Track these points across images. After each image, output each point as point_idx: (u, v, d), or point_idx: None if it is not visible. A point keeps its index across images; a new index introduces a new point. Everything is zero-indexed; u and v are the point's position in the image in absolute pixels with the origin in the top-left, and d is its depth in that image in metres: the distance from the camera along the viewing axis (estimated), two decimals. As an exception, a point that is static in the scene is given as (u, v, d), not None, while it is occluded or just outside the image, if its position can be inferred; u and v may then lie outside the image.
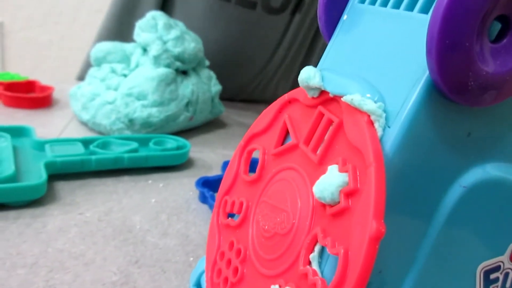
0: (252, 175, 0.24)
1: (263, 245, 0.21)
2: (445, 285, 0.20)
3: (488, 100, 0.17)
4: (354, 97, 0.18)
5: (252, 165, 0.24)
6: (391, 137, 0.18)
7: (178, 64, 0.51)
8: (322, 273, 0.18)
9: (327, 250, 0.17)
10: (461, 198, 0.19)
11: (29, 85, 0.60)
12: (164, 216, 0.36)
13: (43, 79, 0.63)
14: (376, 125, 0.18)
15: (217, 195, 0.25)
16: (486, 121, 0.19)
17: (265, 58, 0.69)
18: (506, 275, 0.21)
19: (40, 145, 0.41)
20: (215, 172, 0.45)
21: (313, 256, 0.18)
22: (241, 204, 0.23)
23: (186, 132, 0.55)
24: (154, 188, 0.40)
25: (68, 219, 0.34)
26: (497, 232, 0.20)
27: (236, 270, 0.22)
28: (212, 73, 0.57)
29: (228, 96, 0.70)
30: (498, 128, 0.19)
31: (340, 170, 0.17)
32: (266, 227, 0.21)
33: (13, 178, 0.34)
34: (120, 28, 0.65)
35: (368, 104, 0.18)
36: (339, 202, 0.17)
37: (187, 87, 0.52)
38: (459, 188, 0.19)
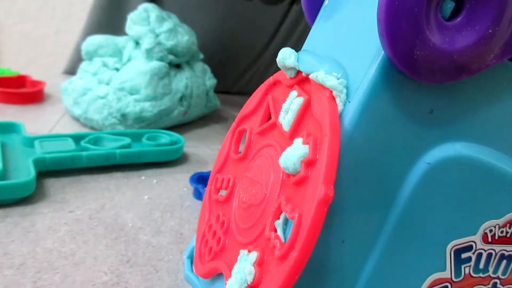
0: (240, 154, 0.25)
1: (241, 215, 0.22)
2: (413, 262, 0.20)
3: (438, 77, 0.17)
4: (319, 74, 0.19)
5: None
6: (350, 112, 0.18)
7: (171, 57, 0.50)
8: (285, 238, 0.18)
9: (287, 216, 0.18)
10: (425, 174, 0.19)
11: (20, 80, 0.59)
12: (158, 214, 0.35)
13: (39, 74, 0.62)
14: (337, 100, 0.19)
15: (210, 174, 0.27)
16: (449, 99, 0.19)
17: (260, 48, 0.68)
18: (479, 256, 0.21)
19: (30, 142, 0.40)
20: (209, 167, 0.45)
21: (278, 222, 0.19)
22: (229, 180, 0.25)
23: (180, 126, 0.54)
24: (147, 184, 0.39)
25: (58, 217, 0.33)
26: (467, 211, 0.20)
27: (219, 240, 0.23)
28: (206, 66, 0.56)
29: (223, 88, 0.69)
30: (464, 106, 0.19)
31: (304, 143, 0.18)
32: (244, 198, 0.22)
33: (1, 176, 0.33)
34: (108, 21, 0.64)
35: (330, 81, 0.19)
36: (300, 171, 0.18)
37: (181, 81, 0.51)
38: (423, 165, 0.19)
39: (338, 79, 0.19)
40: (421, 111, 0.19)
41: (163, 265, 0.29)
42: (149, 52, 0.49)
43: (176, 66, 0.53)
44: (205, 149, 0.49)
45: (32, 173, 0.34)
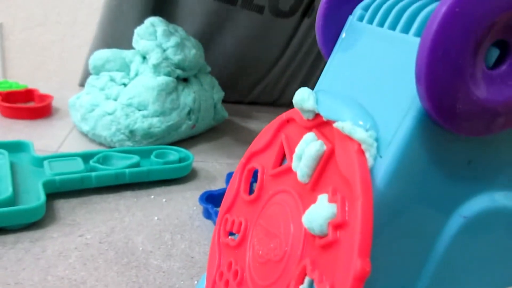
0: (251, 195, 0.24)
1: (258, 270, 0.21)
2: None
3: (481, 130, 0.16)
4: (345, 125, 0.18)
5: (255, 175, 0.24)
6: (382, 168, 0.17)
7: (178, 72, 0.50)
8: None
9: (315, 284, 0.17)
10: (461, 229, 0.18)
11: (28, 94, 0.59)
12: (168, 236, 0.35)
13: (45, 81, 0.62)
14: (367, 154, 0.17)
15: (219, 213, 0.26)
16: (487, 150, 0.18)
17: (271, 60, 0.67)
18: None
19: (39, 162, 0.40)
20: (219, 183, 0.44)
21: None
22: (240, 224, 0.23)
23: (188, 140, 0.54)
24: (157, 204, 0.39)
25: (69, 242, 0.33)
26: (503, 262, 0.19)
27: None
28: (214, 79, 0.56)
29: (234, 100, 0.68)
30: (503, 156, 0.18)
31: (330, 201, 0.17)
32: (261, 252, 0.21)
33: (11, 200, 0.33)
34: (113, 36, 0.63)
35: (358, 133, 0.17)
36: (327, 234, 0.17)
37: (189, 95, 0.51)
38: (459, 219, 0.18)
39: (367, 130, 0.18)
40: (459, 163, 0.18)
41: (174, 292, 0.29)
42: (156, 67, 0.49)
43: (184, 80, 0.52)
44: (213, 163, 0.48)
45: (42, 197, 0.34)
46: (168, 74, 0.49)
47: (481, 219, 0.18)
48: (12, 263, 0.30)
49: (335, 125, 0.18)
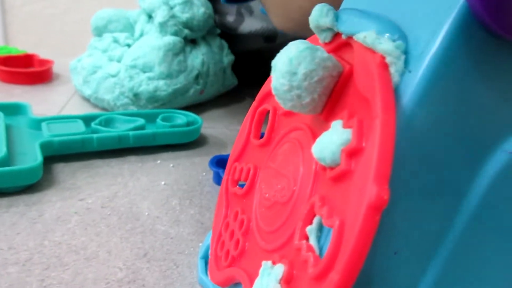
0: (262, 139, 0.21)
1: (264, 215, 0.19)
2: (483, 275, 0.16)
3: None
4: (368, 34, 0.15)
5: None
6: (412, 85, 0.14)
7: (186, 32, 0.47)
8: (321, 249, 0.15)
9: (323, 221, 0.14)
10: (505, 167, 0.15)
11: (27, 59, 0.56)
12: (176, 201, 0.32)
13: (48, 53, 0.58)
14: (392, 69, 0.14)
15: (228, 162, 0.24)
16: None
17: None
18: None
19: (37, 124, 0.37)
20: (229, 149, 0.41)
21: (311, 229, 0.15)
22: (249, 170, 0.21)
23: (196, 106, 0.51)
24: (164, 169, 0.36)
25: (68, 206, 0.30)
26: None
27: (237, 242, 0.20)
28: (223, 42, 0.52)
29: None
30: None
31: (344, 126, 0.14)
32: (267, 195, 0.19)
33: (5, 161, 0.30)
34: None
35: (383, 43, 0.14)
36: (340, 164, 0.14)
37: (197, 57, 0.48)
38: (503, 154, 0.15)
39: (394, 41, 0.15)
40: (506, 83, 0.15)
41: (183, 259, 0.26)
42: (162, 26, 0.45)
43: (192, 42, 0.49)
44: (223, 130, 0.45)
45: (39, 157, 0.31)
46: (175, 34, 0.46)
47: None
48: (6, 228, 0.27)
49: (356, 36, 0.15)
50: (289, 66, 0.15)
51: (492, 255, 0.17)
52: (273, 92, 0.16)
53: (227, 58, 0.52)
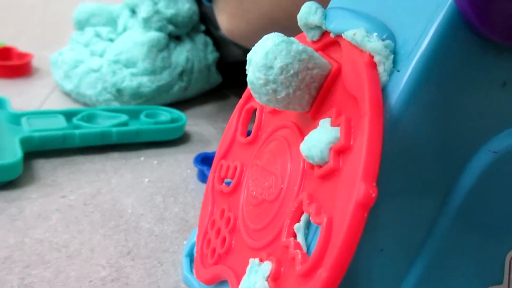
0: (248, 137, 0.21)
1: (251, 213, 0.19)
2: (464, 272, 0.17)
3: None
4: (358, 32, 0.15)
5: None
6: (399, 84, 0.14)
7: (170, 28, 0.46)
8: (308, 246, 0.15)
9: (311, 218, 0.14)
10: (489, 166, 0.16)
11: (5, 52, 0.55)
12: (160, 198, 0.32)
13: (27, 45, 0.57)
14: (380, 68, 0.15)
15: (214, 160, 0.23)
16: None
17: None
18: None
19: (16, 118, 0.36)
20: (214, 147, 0.41)
21: (298, 226, 0.15)
22: (235, 168, 0.21)
23: (180, 103, 0.50)
24: (147, 166, 0.36)
25: (49, 203, 0.29)
26: None
27: (224, 240, 0.20)
28: (208, 39, 0.52)
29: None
30: None
31: (333, 124, 0.15)
32: (254, 192, 0.19)
33: (-17, 156, 0.30)
34: None
35: (372, 42, 0.15)
36: (328, 162, 0.14)
37: (181, 54, 0.47)
38: (487, 154, 0.16)
39: (383, 40, 0.15)
40: (491, 84, 0.15)
41: (168, 257, 0.26)
42: (146, 22, 0.45)
43: (176, 38, 0.48)
44: (208, 127, 0.45)
45: (18, 153, 0.31)
46: (160, 30, 0.45)
47: None
48: (-16, 224, 0.26)
49: (344, 34, 0.15)
50: (265, 59, 0.15)
51: (475, 253, 0.17)
52: (249, 86, 0.16)
53: (212, 55, 0.51)
